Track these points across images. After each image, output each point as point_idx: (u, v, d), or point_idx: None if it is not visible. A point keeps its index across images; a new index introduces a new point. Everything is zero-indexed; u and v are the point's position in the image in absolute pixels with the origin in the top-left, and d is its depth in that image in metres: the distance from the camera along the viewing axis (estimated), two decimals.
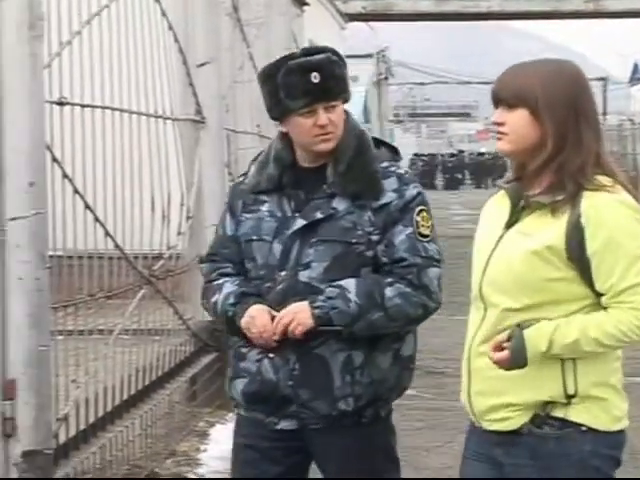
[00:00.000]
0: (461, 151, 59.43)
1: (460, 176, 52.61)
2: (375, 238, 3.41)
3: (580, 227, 2.88)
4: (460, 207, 31.27)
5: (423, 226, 3.43)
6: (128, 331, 5.79)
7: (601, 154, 2.97)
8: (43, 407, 4.15)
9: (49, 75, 4.41)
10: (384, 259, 3.41)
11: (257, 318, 3.36)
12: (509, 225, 3.00)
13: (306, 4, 13.59)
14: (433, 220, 3.48)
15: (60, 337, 4.77)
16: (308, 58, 3.43)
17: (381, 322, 3.38)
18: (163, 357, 6.29)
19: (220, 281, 3.53)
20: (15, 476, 4.18)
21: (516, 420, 2.98)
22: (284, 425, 3.46)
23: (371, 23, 31.54)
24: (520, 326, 2.91)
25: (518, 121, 2.96)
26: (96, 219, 5.30)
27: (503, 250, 2.98)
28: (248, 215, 3.52)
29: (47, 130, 4.32)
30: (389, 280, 3.39)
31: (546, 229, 2.92)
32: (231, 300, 3.45)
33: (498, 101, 3.02)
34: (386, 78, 40.24)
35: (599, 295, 2.91)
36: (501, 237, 3.01)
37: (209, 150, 7.06)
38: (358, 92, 35.48)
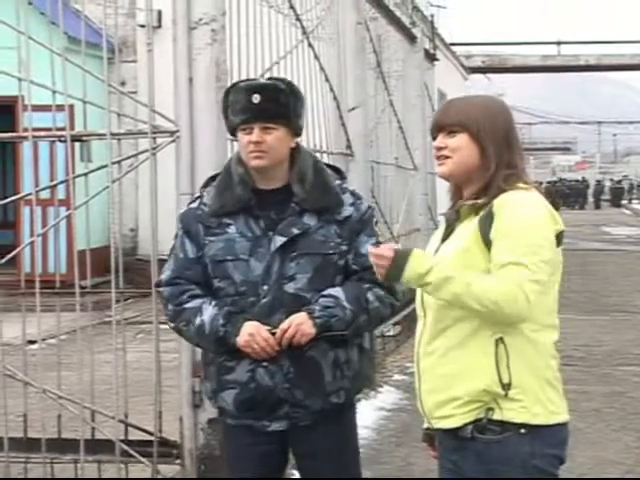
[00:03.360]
0: (562, 179, 58.25)
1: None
2: (344, 248, 3.14)
3: (491, 215, 2.64)
4: None
5: (380, 235, 3.23)
6: None
7: (523, 171, 2.76)
8: None
9: None
10: (354, 267, 3.14)
11: (256, 335, 3.02)
12: (444, 239, 2.78)
13: (436, 59, 13.49)
14: None
15: None
16: (255, 81, 3.16)
17: (364, 324, 3.13)
18: None
19: (194, 303, 3.12)
20: (202, 437, 4.22)
21: (459, 418, 2.67)
22: (275, 427, 3.13)
23: (489, 74, 31.17)
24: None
25: (460, 144, 2.74)
26: None
27: (439, 257, 2.73)
28: (213, 238, 3.12)
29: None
30: (367, 286, 3.11)
31: (469, 227, 2.69)
32: (221, 321, 3.06)
33: (440, 129, 2.78)
34: None
35: None
36: (438, 249, 2.78)
37: (357, 178, 7.03)
38: None
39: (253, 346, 3.02)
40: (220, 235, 3.12)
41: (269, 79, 3.24)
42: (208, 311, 3.09)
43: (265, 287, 3.08)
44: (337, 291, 3.10)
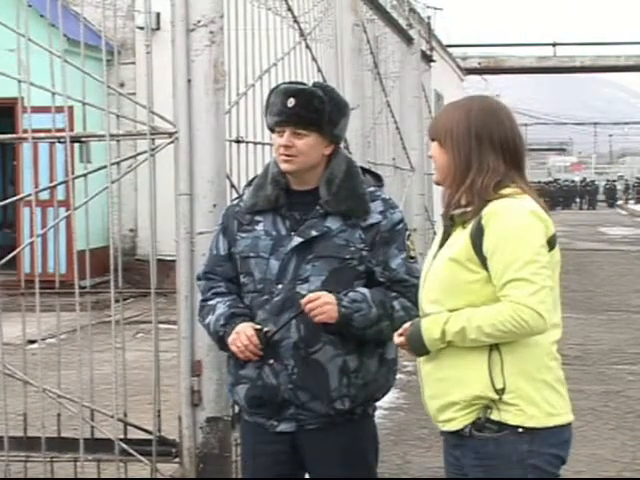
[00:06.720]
0: (557, 179, 58.20)
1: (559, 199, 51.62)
2: (366, 254, 3.09)
3: (481, 228, 2.65)
4: (555, 224, 30.85)
5: (411, 250, 3.16)
6: None
7: (511, 174, 2.73)
8: (222, 382, 4.17)
9: (229, 119, 4.45)
10: (381, 279, 3.11)
11: (241, 333, 3.03)
12: (442, 244, 2.80)
13: (433, 61, 13.51)
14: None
15: None
16: (292, 85, 3.17)
17: (387, 330, 3.06)
18: None
19: (213, 302, 3.20)
20: (201, 436, 4.22)
21: (459, 421, 2.71)
22: (283, 427, 3.13)
23: (485, 76, 31.15)
24: (422, 317, 2.72)
25: (434, 152, 2.80)
26: None
27: (435, 265, 2.77)
28: (244, 234, 3.18)
29: (227, 163, 4.35)
30: (394, 294, 3.10)
31: (460, 237, 2.71)
32: (222, 322, 3.12)
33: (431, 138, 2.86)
34: None
35: None
36: (435, 256, 2.80)
37: None
38: None
39: (237, 344, 3.04)
40: (250, 232, 3.17)
41: (313, 84, 3.22)
42: (218, 311, 3.17)
43: (280, 286, 3.10)
44: (364, 291, 3.08)
